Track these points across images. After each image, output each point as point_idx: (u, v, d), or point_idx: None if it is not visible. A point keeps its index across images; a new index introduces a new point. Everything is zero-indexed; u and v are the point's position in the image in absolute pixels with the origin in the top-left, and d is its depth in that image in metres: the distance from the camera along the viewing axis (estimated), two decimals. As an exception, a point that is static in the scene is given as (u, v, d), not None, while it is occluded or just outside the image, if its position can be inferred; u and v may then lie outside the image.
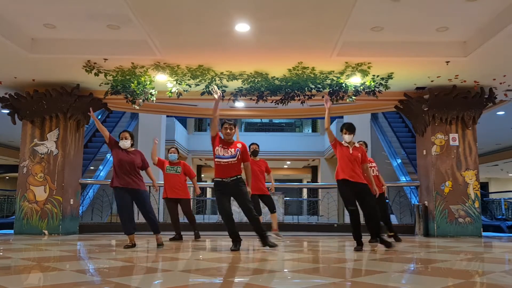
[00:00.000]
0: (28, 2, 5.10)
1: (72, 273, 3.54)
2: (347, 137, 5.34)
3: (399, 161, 12.27)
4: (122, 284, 3.06)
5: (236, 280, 3.33)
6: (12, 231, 7.83)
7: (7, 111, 8.06)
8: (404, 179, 11.35)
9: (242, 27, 5.56)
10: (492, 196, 18.79)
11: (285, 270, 3.94)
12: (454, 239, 7.17)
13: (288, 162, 22.70)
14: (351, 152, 5.27)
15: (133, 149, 5.61)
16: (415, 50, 6.27)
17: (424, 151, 8.07)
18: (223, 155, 5.10)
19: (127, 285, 3.01)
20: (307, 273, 3.63)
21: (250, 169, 5.36)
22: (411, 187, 10.09)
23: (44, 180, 7.66)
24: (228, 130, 5.19)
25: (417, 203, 8.45)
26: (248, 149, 5.46)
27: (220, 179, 5.13)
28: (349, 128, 5.34)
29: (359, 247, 5.15)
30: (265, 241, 5.25)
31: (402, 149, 12.69)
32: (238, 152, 5.15)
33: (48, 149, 7.77)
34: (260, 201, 6.81)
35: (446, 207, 7.63)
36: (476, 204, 7.66)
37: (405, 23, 5.62)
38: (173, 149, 7.07)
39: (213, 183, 5.39)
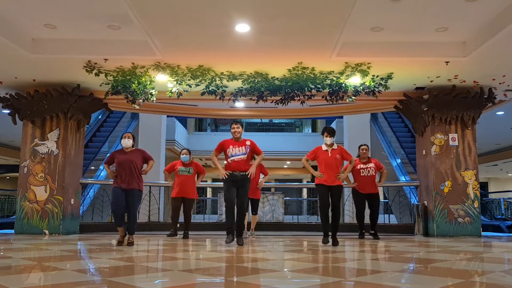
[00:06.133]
0: (28, 2, 5.11)
1: (72, 273, 3.55)
2: (328, 140, 5.96)
3: (398, 161, 12.28)
4: (122, 284, 3.07)
5: (236, 279, 3.34)
6: (12, 231, 7.83)
7: (8, 111, 8.07)
8: (404, 179, 11.37)
9: (242, 28, 5.57)
10: (491, 196, 18.80)
11: (285, 270, 3.96)
12: (453, 238, 7.18)
13: (288, 162, 22.70)
14: (330, 155, 5.93)
15: (133, 149, 5.95)
16: (414, 50, 6.28)
17: (424, 151, 8.08)
18: (236, 153, 5.75)
19: (128, 284, 3.02)
20: (307, 273, 3.65)
21: (262, 158, 5.99)
22: (411, 187, 10.10)
23: (44, 180, 7.67)
24: (236, 129, 5.83)
25: (417, 203, 8.47)
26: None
27: (231, 172, 5.74)
28: (330, 132, 5.97)
29: (326, 238, 5.92)
30: (238, 238, 5.74)
31: (401, 149, 12.70)
32: (248, 149, 5.80)
33: (49, 149, 7.78)
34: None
35: (445, 207, 7.64)
36: (476, 204, 7.67)
37: (405, 23, 5.63)
38: (184, 150, 7.34)
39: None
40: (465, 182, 7.71)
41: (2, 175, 22.98)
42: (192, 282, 3.23)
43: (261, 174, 7.22)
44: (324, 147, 6.03)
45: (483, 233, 7.88)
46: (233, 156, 5.74)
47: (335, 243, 5.82)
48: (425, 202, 8.00)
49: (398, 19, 5.50)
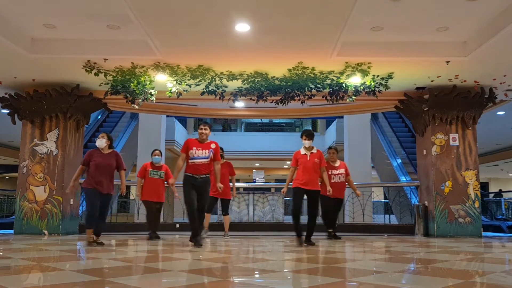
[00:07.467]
0: (28, 2, 5.10)
1: (72, 273, 3.54)
2: (306, 142, 5.93)
3: (399, 161, 12.26)
4: (122, 284, 3.05)
5: (236, 280, 3.33)
6: (12, 231, 7.82)
7: (7, 111, 8.06)
8: (404, 179, 11.35)
9: (242, 27, 5.55)
10: (492, 196, 18.76)
11: (285, 270, 3.94)
12: (454, 239, 7.16)
13: (288, 162, 22.64)
14: (308, 158, 5.88)
15: (110, 150, 5.88)
16: (415, 50, 6.26)
17: (424, 151, 8.06)
18: (198, 156, 5.58)
19: (127, 285, 3.00)
20: (307, 273, 3.63)
21: (219, 169, 5.89)
22: (411, 187, 10.08)
23: (44, 180, 7.65)
24: (204, 131, 5.66)
25: (417, 203, 8.45)
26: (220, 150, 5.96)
27: (191, 175, 5.56)
28: (309, 135, 5.96)
29: (299, 239, 5.88)
30: (196, 239, 5.63)
31: (402, 149, 12.69)
32: (211, 153, 5.66)
33: (48, 149, 7.76)
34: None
35: (446, 207, 7.63)
36: (476, 204, 7.65)
37: (405, 23, 5.62)
38: (156, 151, 7.15)
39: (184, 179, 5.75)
40: (465, 182, 7.69)
41: (1, 175, 22.97)
42: (192, 283, 3.22)
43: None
44: (303, 151, 5.98)
45: (483, 234, 7.86)
46: (195, 158, 5.55)
47: (311, 243, 5.84)
48: (426, 202, 7.98)
49: (399, 19, 5.48)
